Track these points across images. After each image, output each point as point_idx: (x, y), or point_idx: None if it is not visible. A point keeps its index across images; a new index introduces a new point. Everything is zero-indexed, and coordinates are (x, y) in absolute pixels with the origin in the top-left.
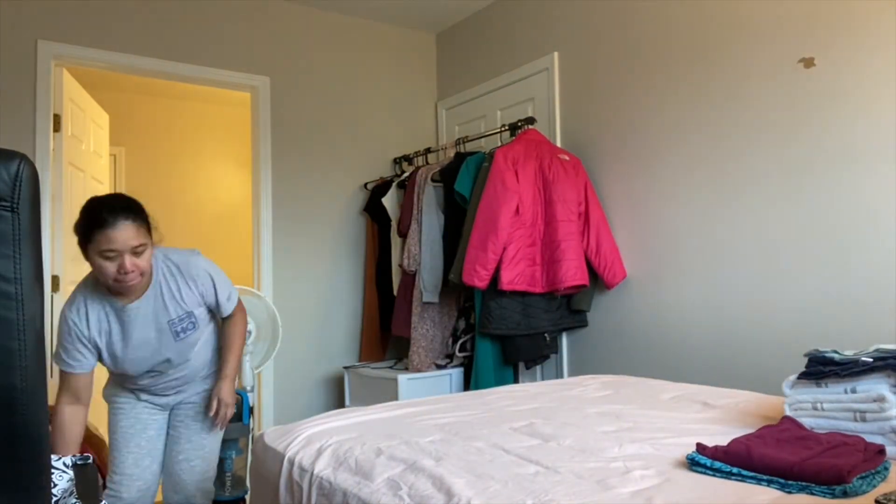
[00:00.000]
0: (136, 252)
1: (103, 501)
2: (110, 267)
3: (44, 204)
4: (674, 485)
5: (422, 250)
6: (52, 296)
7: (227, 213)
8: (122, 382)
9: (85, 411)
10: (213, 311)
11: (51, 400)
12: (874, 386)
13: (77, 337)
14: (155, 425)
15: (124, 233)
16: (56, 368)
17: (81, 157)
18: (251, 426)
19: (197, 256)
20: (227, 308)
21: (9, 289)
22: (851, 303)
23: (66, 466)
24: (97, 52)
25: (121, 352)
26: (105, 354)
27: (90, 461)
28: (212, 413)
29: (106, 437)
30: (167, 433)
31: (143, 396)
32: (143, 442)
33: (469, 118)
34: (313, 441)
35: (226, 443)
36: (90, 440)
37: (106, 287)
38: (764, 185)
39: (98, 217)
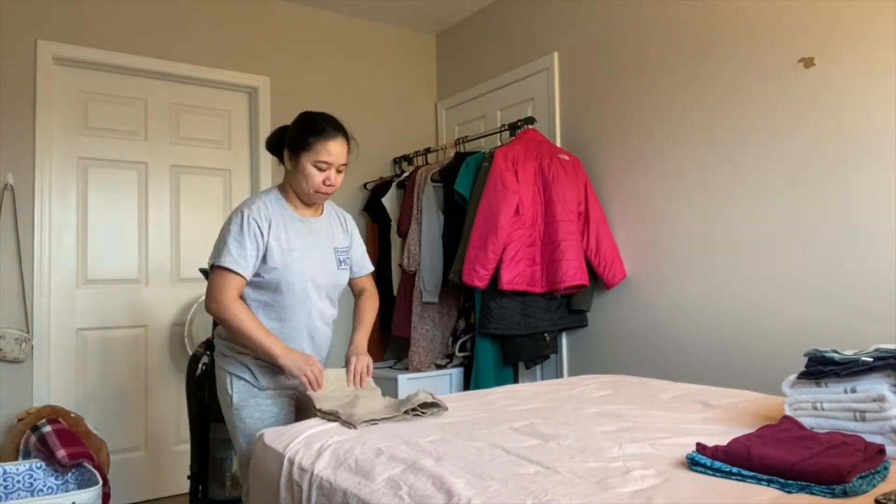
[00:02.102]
0: (339, 169)
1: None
2: (318, 177)
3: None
4: (674, 485)
5: (422, 250)
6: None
7: None
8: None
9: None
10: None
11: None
12: (874, 385)
13: (254, 234)
14: (283, 415)
15: (340, 147)
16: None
17: None
18: None
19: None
20: (364, 266)
21: None
22: (851, 303)
23: None
24: (97, 52)
25: (291, 258)
26: (277, 259)
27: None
28: (351, 368)
29: (105, 438)
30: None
31: (286, 387)
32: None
33: (469, 118)
34: (313, 441)
35: (225, 443)
36: (89, 440)
37: (299, 196)
38: (764, 185)
39: (322, 128)
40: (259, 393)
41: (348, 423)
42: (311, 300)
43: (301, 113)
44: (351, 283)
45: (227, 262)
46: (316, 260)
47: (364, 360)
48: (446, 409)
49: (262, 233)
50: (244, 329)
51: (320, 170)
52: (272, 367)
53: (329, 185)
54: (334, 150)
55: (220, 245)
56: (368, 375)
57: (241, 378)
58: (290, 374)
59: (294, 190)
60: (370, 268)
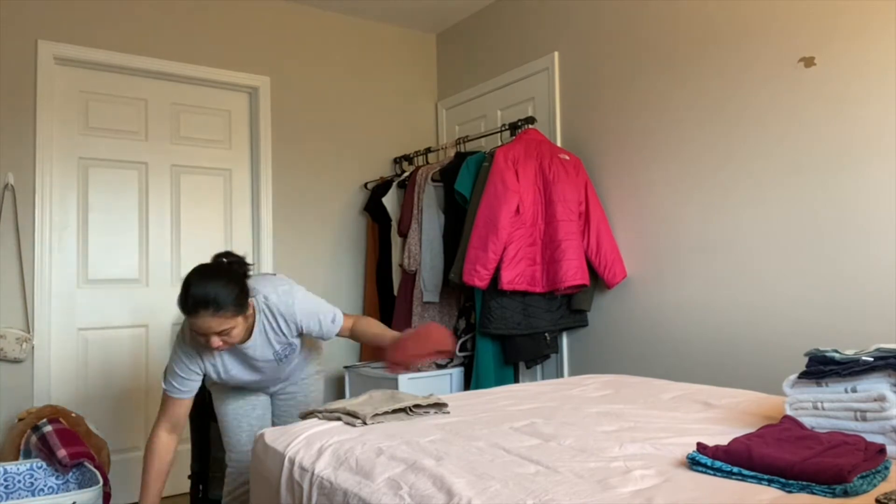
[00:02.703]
0: (222, 333)
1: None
2: (202, 340)
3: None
4: (674, 484)
5: (422, 250)
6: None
7: None
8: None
9: (176, 443)
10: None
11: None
12: (875, 385)
13: (189, 368)
14: (260, 405)
15: (206, 322)
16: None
17: None
18: None
19: (293, 294)
20: (332, 330)
21: None
22: (852, 302)
23: None
24: (97, 52)
25: (231, 376)
26: (215, 378)
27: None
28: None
29: (106, 438)
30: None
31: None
32: (253, 420)
33: (469, 118)
34: (314, 441)
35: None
36: (90, 440)
37: None
38: (764, 185)
39: (183, 302)
40: (224, 387)
41: (355, 418)
42: (265, 382)
43: (187, 273)
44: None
45: (169, 390)
46: (252, 373)
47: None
48: (448, 412)
49: (198, 365)
50: (143, 476)
51: (200, 335)
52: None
53: (218, 347)
54: (201, 325)
55: (167, 369)
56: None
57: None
58: None
59: None
60: (337, 325)
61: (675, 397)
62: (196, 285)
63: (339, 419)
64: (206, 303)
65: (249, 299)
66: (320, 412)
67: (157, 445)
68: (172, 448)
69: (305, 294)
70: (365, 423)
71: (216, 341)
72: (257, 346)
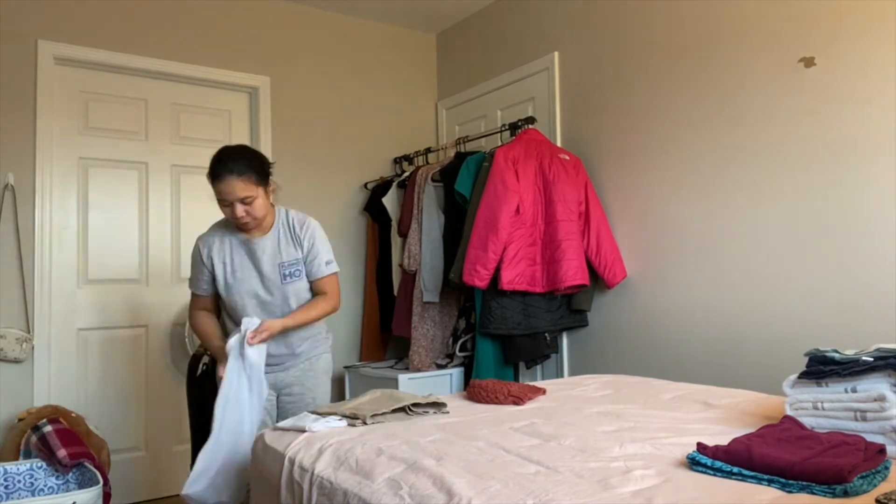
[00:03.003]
0: (244, 202)
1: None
2: (227, 211)
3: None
4: (674, 484)
5: (422, 250)
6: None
7: None
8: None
9: (215, 316)
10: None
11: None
12: (875, 385)
13: (200, 261)
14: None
15: (229, 185)
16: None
17: None
18: None
19: (312, 220)
20: (321, 271)
21: None
22: (852, 302)
23: None
24: (97, 52)
25: (234, 279)
26: (220, 281)
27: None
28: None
29: (106, 438)
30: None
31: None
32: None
33: (469, 118)
34: (314, 441)
35: None
36: (90, 440)
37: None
38: (764, 185)
39: (211, 169)
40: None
41: (354, 418)
42: (259, 313)
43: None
44: (312, 286)
45: (190, 286)
46: (254, 279)
47: (269, 329)
48: (447, 412)
49: (205, 259)
50: (199, 334)
51: (225, 205)
52: None
53: (239, 218)
54: (224, 189)
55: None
56: (259, 339)
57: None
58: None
59: None
60: (325, 272)
61: (675, 397)
62: (225, 153)
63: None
64: (233, 166)
65: (272, 187)
66: (321, 414)
67: (200, 319)
68: (213, 319)
69: (320, 227)
70: (365, 423)
71: (240, 209)
72: (267, 246)
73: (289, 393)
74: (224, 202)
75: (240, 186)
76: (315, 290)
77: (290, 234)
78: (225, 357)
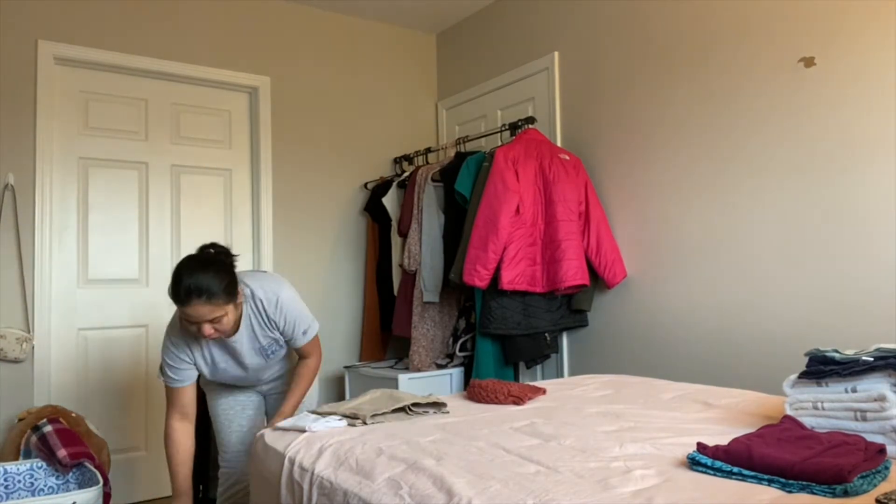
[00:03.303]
0: (213, 321)
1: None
2: (193, 328)
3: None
4: (674, 484)
5: (422, 250)
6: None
7: None
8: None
9: (192, 427)
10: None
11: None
12: (875, 385)
13: (179, 357)
14: (252, 405)
15: (198, 311)
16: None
17: None
18: None
19: (280, 290)
20: (300, 341)
21: None
22: (852, 302)
23: None
24: (97, 52)
25: (218, 370)
26: (204, 371)
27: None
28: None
29: (106, 438)
30: (265, 411)
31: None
32: (244, 421)
33: (469, 118)
34: (314, 441)
35: None
36: (90, 440)
37: None
38: (764, 185)
39: (175, 292)
40: (214, 385)
41: (354, 418)
42: (247, 382)
43: (178, 262)
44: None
45: (166, 381)
46: (237, 368)
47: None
48: (447, 411)
49: (187, 354)
50: (169, 464)
51: (191, 323)
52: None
53: (208, 336)
54: (192, 314)
55: (161, 364)
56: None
57: None
58: None
59: None
60: (303, 341)
61: (675, 397)
62: (188, 274)
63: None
64: (199, 291)
65: (240, 288)
66: (322, 413)
67: (174, 435)
68: (189, 433)
69: (291, 295)
70: (365, 423)
71: (208, 329)
72: (244, 340)
73: (275, 391)
74: (189, 324)
75: (207, 310)
76: (299, 353)
77: (262, 319)
78: (180, 497)
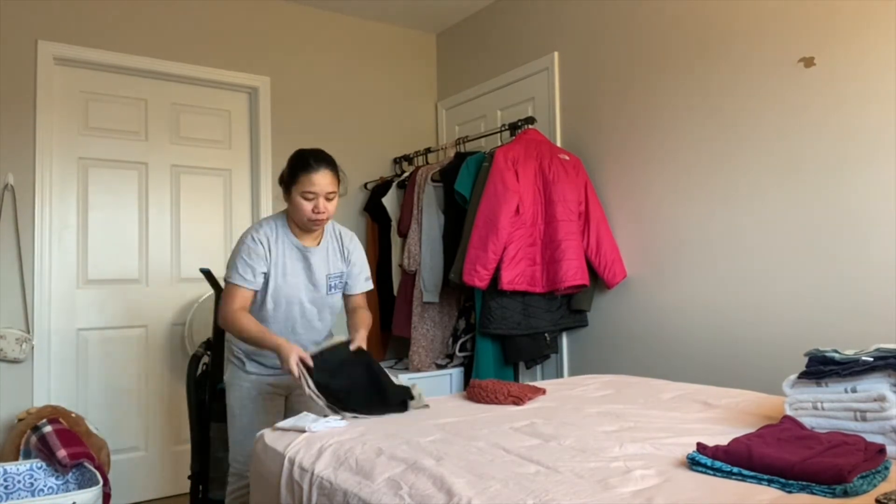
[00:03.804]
0: (328, 197)
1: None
2: (308, 206)
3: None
4: (674, 484)
5: (422, 250)
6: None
7: None
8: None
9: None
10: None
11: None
12: (874, 385)
13: (255, 255)
14: (274, 409)
15: (324, 178)
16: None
17: None
18: None
19: (356, 237)
20: (357, 285)
21: None
22: (851, 302)
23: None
24: (97, 52)
25: (284, 282)
26: (271, 280)
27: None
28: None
29: (106, 438)
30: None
31: (269, 376)
32: (262, 427)
33: (469, 118)
34: (314, 441)
35: (225, 443)
36: (90, 440)
37: (297, 224)
38: (764, 185)
39: (306, 162)
40: (243, 376)
41: (333, 409)
42: (295, 319)
43: (296, 151)
44: (345, 300)
45: (234, 279)
46: (305, 286)
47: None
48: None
49: (264, 250)
50: (250, 333)
51: (308, 199)
52: (257, 361)
53: (319, 213)
54: (318, 181)
55: (231, 263)
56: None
57: (232, 362)
58: (284, 366)
59: (293, 219)
60: (364, 287)
61: (675, 397)
62: (314, 149)
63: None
64: (328, 160)
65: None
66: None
67: (241, 316)
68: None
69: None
70: (338, 415)
71: (322, 203)
72: (319, 256)
73: (300, 393)
74: (309, 195)
75: (330, 179)
76: (352, 303)
77: (339, 247)
78: (292, 348)
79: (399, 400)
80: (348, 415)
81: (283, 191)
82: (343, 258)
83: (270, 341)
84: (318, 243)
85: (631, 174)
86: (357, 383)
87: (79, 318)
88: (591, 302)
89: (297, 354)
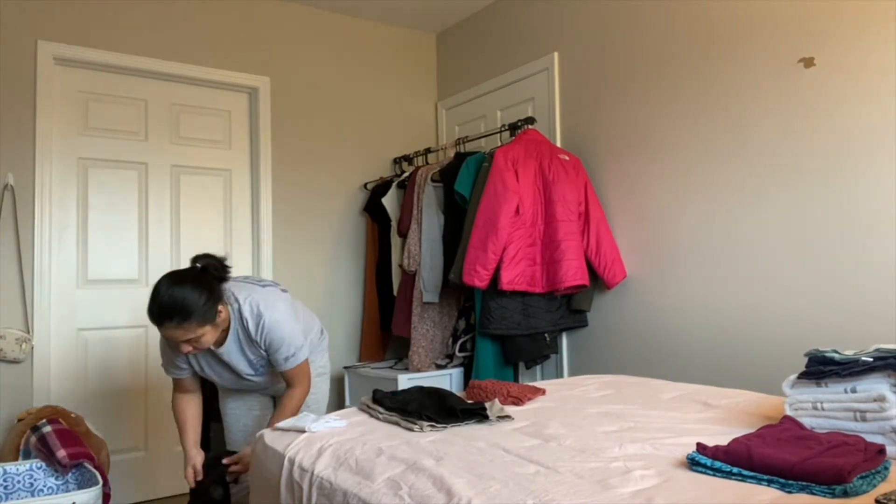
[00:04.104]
0: (189, 341)
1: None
2: (181, 347)
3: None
4: (674, 485)
5: (422, 250)
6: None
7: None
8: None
9: (197, 396)
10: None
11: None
12: (874, 385)
13: (172, 359)
14: (260, 406)
15: (172, 332)
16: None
17: None
18: None
19: (268, 309)
20: (282, 366)
21: None
22: (851, 302)
23: None
24: (97, 53)
25: (211, 373)
26: (198, 371)
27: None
28: (231, 467)
29: (106, 438)
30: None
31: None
32: (249, 421)
33: (469, 118)
34: (314, 441)
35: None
36: (90, 440)
37: None
38: (764, 185)
39: (150, 312)
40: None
41: (412, 423)
42: (240, 384)
43: (154, 285)
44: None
45: (168, 372)
46: (230, 376)
47: (245, 464)
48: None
49: (178, 361)
50: (176, 422)
51: (171, 340)
52: None
53: (187, 353)
54: (168, 335)
55: (162, 358)
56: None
57: None
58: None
59: None
60: (285, 367)
61: (675, 397)
62: (163, 295)
63: (396, 423)
64: (171, 314)
65: (221, 306)
66: (371, 408)
67: (179, 403)
68: (195, 401)
69: (279, 317)
70: (423, 430)
71: (185, 347)
72: (232, 353)
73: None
74: (169, 341)
75: (181, 332)
76: (285, 377)
77: (247, 337)
78: (190, 460)
79: (470, 413)
80: (425, 424)
81: None
82: (256, 346)
83: (183, 444)
84: (226, 340)
85: (631, 174)
86: (424, 403)
87: (79, 319)
88: (591, 302)
89: (191, 467)
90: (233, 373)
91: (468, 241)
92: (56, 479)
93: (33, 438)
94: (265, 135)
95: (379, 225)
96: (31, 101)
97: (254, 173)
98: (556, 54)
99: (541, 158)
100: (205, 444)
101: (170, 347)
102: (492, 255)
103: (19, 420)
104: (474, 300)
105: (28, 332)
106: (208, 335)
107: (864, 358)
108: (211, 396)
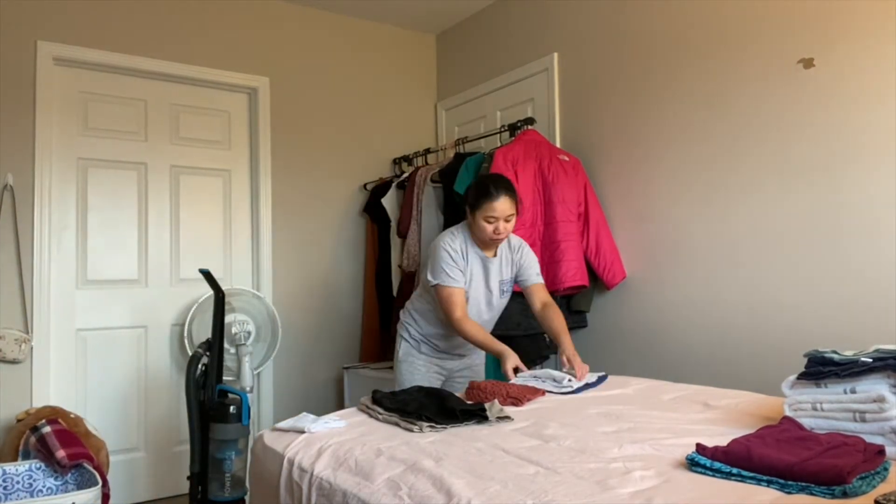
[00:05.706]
0: (506, 219)
1: None
2: (489, 228)
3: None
4: (674, 485)
5: (421, 251)
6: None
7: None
8: (435, 335)
9: None
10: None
11: None
12: (874, 386)
13: (456, 262)
14: (435, 385)
15: (503, 204)
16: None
17: None
18: (250, 427)
19: (525, 244)
20: (534, 280)
21: None
22: (851, 303)
23: None
24: (97, 53)
25: (469, 287)
26: (466, 283)
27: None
28: (577, 367)
29: (105, 438)
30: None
31: (437, 358)
32: (424, 382)
33: (469, 118)
34: (313, 441)
35: (225, 443)
36: (89, 441)
37: (479, 239)
38: (764, 185)
39: (487, 190)
40: (417, 354)
41: (412, 424)
42: (473, 315)
43: (479, 177)
44: (527, 294)
45: (447, 282)
46: (483, 289)
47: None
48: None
49: (460, 261)
50: (476, 339)
51: (489, 223)
52: (432, 344)
53: (499, 234)
54: (499, 207)
55: (438, 269)
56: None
57: (407, 341)
58: (504, 369)
59: (475, 236)
60: (536, 280)
61: (675, 398)
62: (495, 177)
63: (396, 424)
64: (508, 188)
65: (519, 213)
66: (371, 408)
67: (466, 321)
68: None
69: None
70: (422, 431)
71: (503, 225)
72: (496, 265)
73: (460, 377)
74: (490, 219)
75: (509, 205)
76: (538, 297)
77: (510, 257)
78: (511, 357)
79: (469, 414)
80: (424, 425)
81: (467, 210)
82: (512, 266)
83: (494, 348)
84: (495, 254)
85: (630, 175)
86: (424, 404)
87: (78, 319)
88: (591, 303)
89: (514, 362)
90: (487, 288)
91: None
92: (55, 479)
93: (32, 439)
94: (265, 135)
95: (378, 225)
96: (31, 101)
97: (253, 174)
98: (555, 55)
99: (540, 159)
100: (205, 445)
101: (453, 260)
102: None
103: (18, 420)
104: None
105: (27, 333)
106: (512, 222)
107: (863, 358)
108: (210, 398)
